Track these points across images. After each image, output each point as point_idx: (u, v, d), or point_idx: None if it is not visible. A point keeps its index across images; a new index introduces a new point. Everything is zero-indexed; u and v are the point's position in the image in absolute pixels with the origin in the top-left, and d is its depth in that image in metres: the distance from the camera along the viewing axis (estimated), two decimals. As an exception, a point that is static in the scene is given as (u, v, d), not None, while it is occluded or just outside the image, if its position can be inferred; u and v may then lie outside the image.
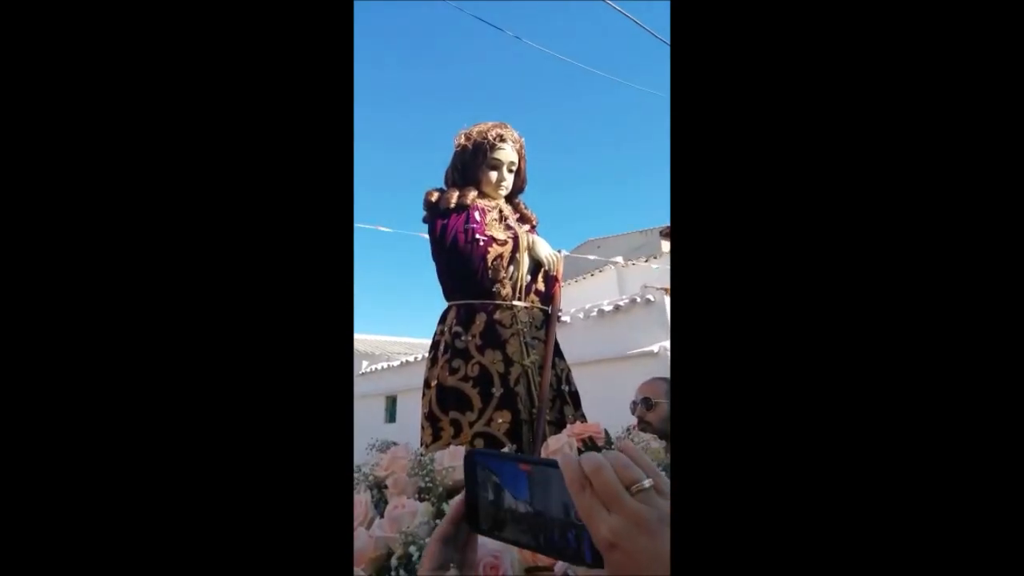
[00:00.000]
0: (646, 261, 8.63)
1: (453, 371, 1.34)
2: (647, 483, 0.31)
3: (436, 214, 1.52)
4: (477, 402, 1.29)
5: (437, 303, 1.59)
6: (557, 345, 1.46)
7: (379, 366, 8.64)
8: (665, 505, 0.31)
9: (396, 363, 8.30)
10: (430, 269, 1.61)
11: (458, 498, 0.41)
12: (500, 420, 1.26)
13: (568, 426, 1.06)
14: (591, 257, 8.96)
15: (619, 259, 9.00)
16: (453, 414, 1.30)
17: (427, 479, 0.86)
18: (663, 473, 0.33)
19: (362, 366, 8.84)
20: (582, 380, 1.64)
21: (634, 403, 2.09)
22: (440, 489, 0.85)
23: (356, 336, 9.90)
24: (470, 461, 0.40)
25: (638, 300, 5.50)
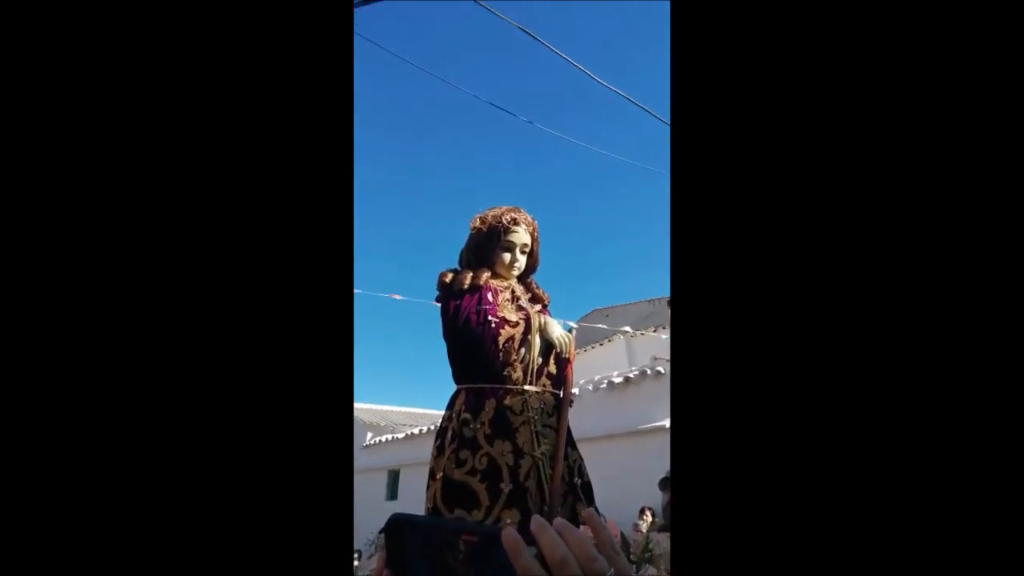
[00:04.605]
0: (655, 331, 8.55)
1: (460, 463, 1.28)
2: (609, 574, 0.33)
3: (450, 295, 1.52)
4: (484, 499, 1.22)
5: (447, 372, 1.55)
6: (569, 433, 1.40)
7: (383, 438, 8.40)
8: None
9: (401, 435, 8.07)
10: (440, 340, 1.59)
11: (375, 568, 0.38)
12: (508, 520, 1.18)
13: (581, 527, 0.98)
14: (599, 326, 8.91)
15: (627, 328, 8.93)
16: (459, 512, 1.22)
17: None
18: (622, 553, 0.35)
19: (366, 438, 8.60)
20: (592, 457, 1.56)
21: (663, 480, 1.97)
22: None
23: (361, 406, 9.71)
24: (395, 528, 0.36)
25: (648, 372, 5.39)
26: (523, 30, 3.06)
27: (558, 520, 0.36)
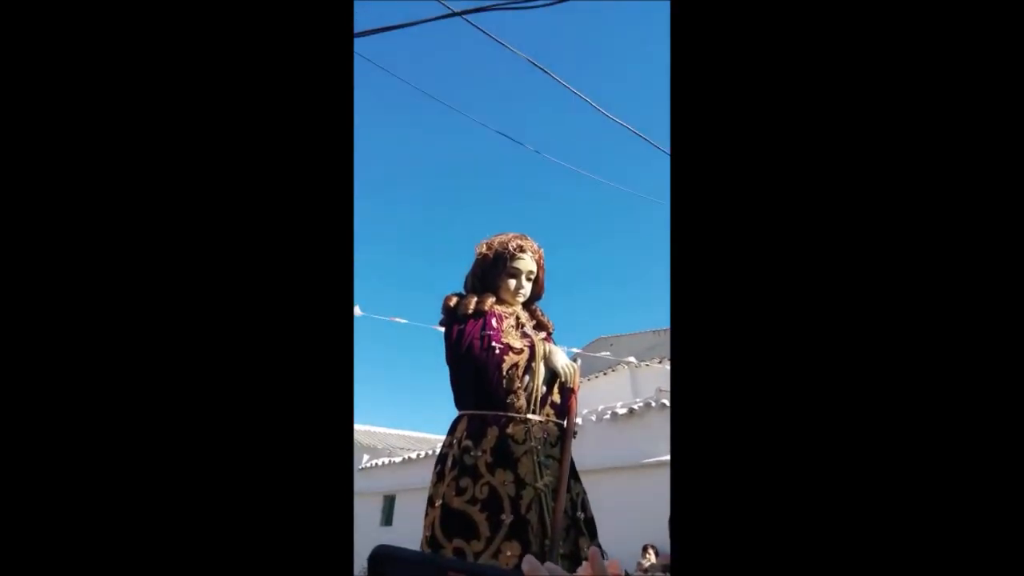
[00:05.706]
0: (660, 362, 8.47)
1: (460, 491, 1.25)
2: None
3: (454, 319, 1.51)
4: (485, 530, 1.18)
5: (447, 397, 1.54)
6: (573, 465, 1.37)
7: (379, 461, 8.27)
8: None
9: (398, 459, 7.94)
10: (442, 365, 1.58)
11: None
12: (509, 553, 1.14)
13: (584, 563, 0.95)
14: (603, 354, 8.84)
15: (632, 359, 8.86)
16: (457, 542, 1.19)
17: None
18: None
19: (362, 460, 8.47)
20: (596, 491, 1.52)
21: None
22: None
23: (358, 427, 9.60)
24: (378, 561, 0.33)
25: (653, 404, 5.32)
26: (533, 63, 3.13)
27: (548, 564, 0.35)
